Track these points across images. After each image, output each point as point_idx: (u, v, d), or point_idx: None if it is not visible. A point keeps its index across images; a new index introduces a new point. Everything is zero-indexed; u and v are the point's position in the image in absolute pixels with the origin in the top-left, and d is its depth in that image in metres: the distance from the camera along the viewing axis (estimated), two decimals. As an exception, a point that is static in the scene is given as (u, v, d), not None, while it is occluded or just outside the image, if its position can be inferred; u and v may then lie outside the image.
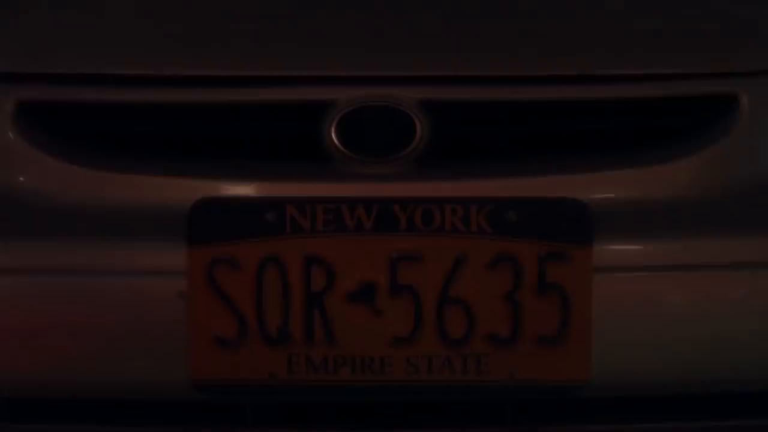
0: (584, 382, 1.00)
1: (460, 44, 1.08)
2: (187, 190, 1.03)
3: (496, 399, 1.04)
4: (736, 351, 1.03)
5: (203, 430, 1.06)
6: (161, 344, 1.01)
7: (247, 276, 1.00)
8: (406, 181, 1.04)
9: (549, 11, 1.11)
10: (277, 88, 1.05)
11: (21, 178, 1.07)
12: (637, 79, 1.06)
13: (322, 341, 1.00)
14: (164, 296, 1.01)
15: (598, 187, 1.05)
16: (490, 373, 1.00)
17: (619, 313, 1.01)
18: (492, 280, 1.00)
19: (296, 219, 1.00)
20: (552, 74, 1.05)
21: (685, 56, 1.07)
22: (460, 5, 1.12)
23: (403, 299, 0.99)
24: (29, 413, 1.08)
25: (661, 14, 1.12)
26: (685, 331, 1.01)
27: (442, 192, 1.03)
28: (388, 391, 1.01)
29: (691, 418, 1.08)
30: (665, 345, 1.01)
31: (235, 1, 1.13)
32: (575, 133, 1.07)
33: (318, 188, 1.04)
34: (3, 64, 1.08)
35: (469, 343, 1.00)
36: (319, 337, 0.99)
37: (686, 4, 1.14)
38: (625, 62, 1.07)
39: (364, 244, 1.00)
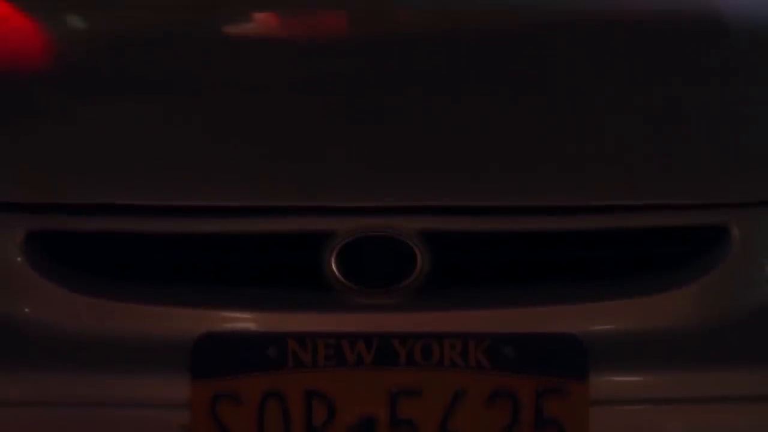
0: None
1: (460, 174, 1.10)
2: (189, 321, 1.05)
3: None
4: None
5: None
6: None
7: (250, 410, 1.01)
8: (406, 311, 1.06)
9: (545, 141, 1.13)
10: (276, 218, 1.07)
11: (23, 305, 1.08)
12: (630, 209, 1.08)
13: None
14: (166, 429, 1.02)
15: (596, 319, 1.07)
16: None
17: None
18: (490, 414, 1.01)
19: (298, 354, 1.02)
20: (550, 205, 1.07)
21: (676, 187, 1.10)
22: (458, 133, 1.14)
23: None
24: None
25: (653, 143, 1.14)
26: None
27: (442, 325, 1.04)
28: None
29: None
30: None
31: (234, 133, 1.15)
32: (572, 262, 1.09)
33: (319, 319, 1.05)
34: (14, 194, 1.10)
35: None
36: None
37: (677, 134, 1.16)
38: (620, 193, 1.09)
39: (364, 379, 1.02)
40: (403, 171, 1.10)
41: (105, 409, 1.03)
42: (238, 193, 1.09)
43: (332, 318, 1.05)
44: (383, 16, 1.48)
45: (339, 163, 1.11)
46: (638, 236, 1.09)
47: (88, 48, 1.38)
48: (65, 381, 1.04)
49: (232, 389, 1.01)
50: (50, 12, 1.55)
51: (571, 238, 1.09)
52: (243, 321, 1.07)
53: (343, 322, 1.05)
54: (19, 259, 1.08)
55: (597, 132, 1.16)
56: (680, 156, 1.13)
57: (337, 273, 1.06)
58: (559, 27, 1.40)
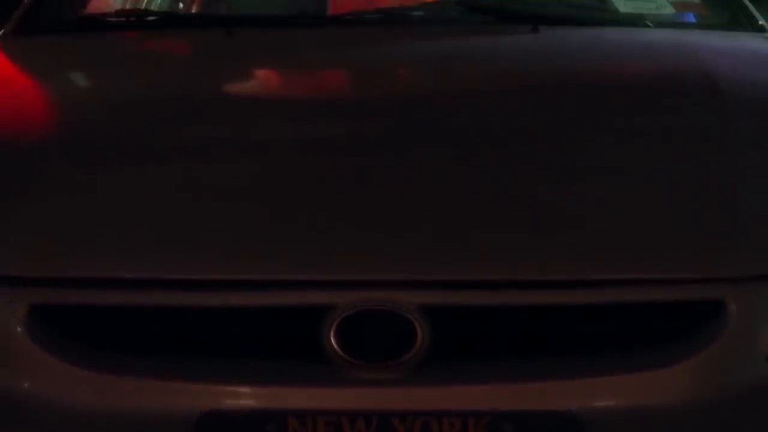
0: None
1: (460, 248, 1.10)
2: (190, 396, 1.06)
3: None
4: None
5: None
6: None
7: (251, 487, 1.02)
8: (405, 386, 1.06)
9: (544, 216, 1.14)
10: (276, 292, 1.08)
11: (24, 379, 1.08)
12: (627, 283, 1.09)
13: None
14: None
15: (595, 395, 1.07)
16: None
17: None
18: None
19: (298, 431, 1.02)
20: (549, 279, 1.08)
21: (672, 262, 1.10)
22: (457, 207, 1.15)
23: None
24: None
25: (650, 218, 1.15)
26: None
27: (441, 402, 1.05)
28: None
29: None
30: None
31: (234, 208, 1.15)
32: (571, 335, 1.10)
33: (318, 395, 1.06)
34: (16, 268, 1.10)
35: None
36: None
37: (673, 209, 1.17)
38: (617, 268, 1.10)
39: None
40: (404, 245, 1.11)
41: None
42: (238, 266, 1.09)
43: (332, 393, 1.06)
44: (381, 88, 1.50)
45: (339, 237, 1.11)
46: (636, 310, 1.10)
47: (90, 119, 1.39)
48: None
49: None
50: (54, 79, 1.57)
51: (570, 312, 1.09)
52: (244, 397, 1.07)
53: (342, 398, 1.05)
54: (20, 331, 1.08)
55: (595, 207, 1.16)
56: (676, 231, 1.14)
57: (336, 347, 1.06)
58: (558, 95, 1.42)
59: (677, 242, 1.12)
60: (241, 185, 1.18)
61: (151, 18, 2.09)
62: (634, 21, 1.98)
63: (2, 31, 2.01)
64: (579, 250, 1.10)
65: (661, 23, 2.00)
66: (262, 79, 1.67)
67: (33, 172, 1.22)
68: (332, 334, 1.06)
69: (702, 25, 2.10)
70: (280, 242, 1.11)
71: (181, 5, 2.69)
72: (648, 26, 1.95)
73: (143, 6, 2.83)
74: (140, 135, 1.31)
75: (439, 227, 1.13)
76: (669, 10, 2.09)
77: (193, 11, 2.90)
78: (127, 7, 2.74)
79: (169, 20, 2.05)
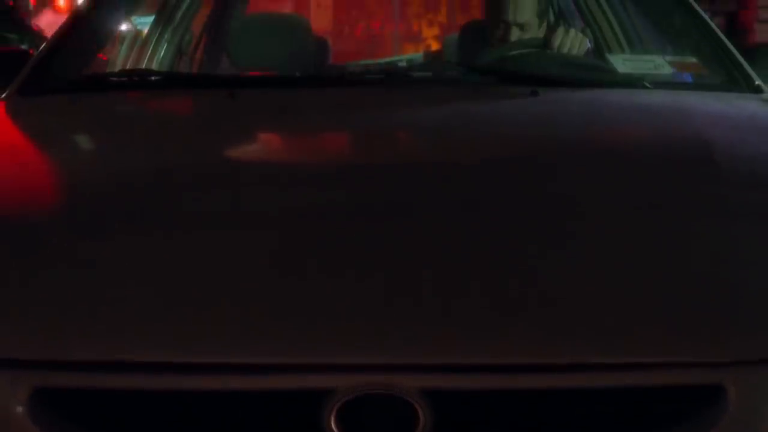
0: None
1: (461, 331, 1.11)
2: None
3: None
4: None
5: None
6: None
7: None
8: None
9: (544, 300, 1.15)
10: (275, 375, 1.08)
11: None
12: (627, 367, 1.09)
13: None
14: None
15: None
16: None
17: None
18: None
19: None
20: (550, 363, 1.09)
21: (671, 346, 1.11)
22: (458, 290, 1.16)
23: None
24: None
25: (648, 296, 1.16)
26: None
27: None
28: None
29: None
30: None
31: (234, 290, 1.16)
32: (571, 419, 1.10)
33: None
34: (18, 351, 1.10)
35: None
36: None
37: (670, 292, 1.17)
38: (616, 351, 1.10)
39: None
40: (404, 328, 1.11)
41: None
42: (238, 350, 1.09)
43: None
44: (379, 158, 1.51)
45: (338, 320, 1.12)
46: (636, 394, 1.10)
47: (92, 190, 1.40)
48: None
49: None
50: (56, 146, 1.59)
51: (570, 396, 1.10)
52: None
53: None
54: (21, 413, 1.08)
55: (593, 289, 1.17)
56: (675, 312, 1.14)
57: (336, 431, 1.07)
58: (555, 165, 1.44)
59: (676, 324, 1.13)
60: (240, 264, 1.19)
61: (154, 78, 2.12)
62: (633, 82, 2.01)
63: (7, 90, 2.04)
64: (579, 334, 1.11)
65: (660, 83, 2.02)
66: (264, 148, 1.68)
67: (34, 249, 1.23)
68: (333, 418, 1.07)
69: (700, 85, 2.13)
70: (280, 325, 1.11)
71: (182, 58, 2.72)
72: (646, 87, 1.97)
73: (146, 58, 2.88)
74: (143, 208, 1.32)
75: (439, 309, 1.13)
76: (667, 70, 2.12)
77: (195, 65, 2.95)
78: (130, 63, 2.80)
79: (172, 80, 2.07)
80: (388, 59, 4.31)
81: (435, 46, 16.49)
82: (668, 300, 1.15)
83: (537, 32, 2.72)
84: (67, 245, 1.24)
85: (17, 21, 5.94)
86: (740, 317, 1.14)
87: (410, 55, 4.23)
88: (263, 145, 1.69)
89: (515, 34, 2.63)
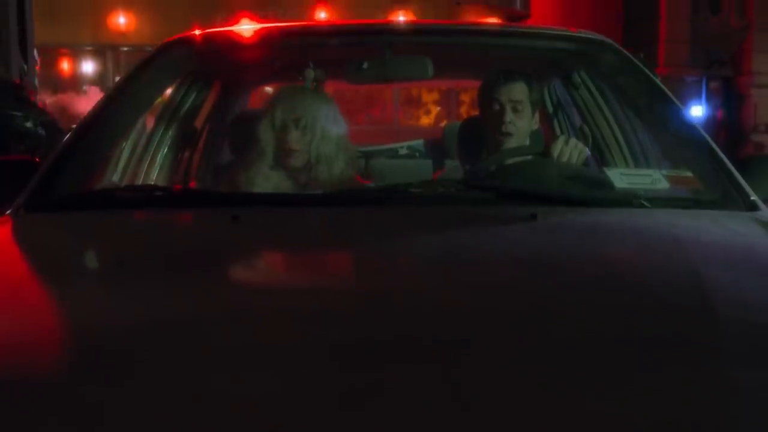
0: None
1: None
2: None
3: None
4: None
5: None
6: None
7: None
8: None
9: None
10: None
11: None
12: None
13: None
14: None
15: None
16: None
17: None
18: None
19: None
20: None
21: None
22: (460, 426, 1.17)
23: None
24: None
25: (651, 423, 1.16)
26: None
27: None
28: None
29: None
30: None
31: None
32: None
33: None
34: None
35: None
36: None
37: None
38: None
39: None
40: None
41: None
42: None
43: None
44: (374, 288, 1.52)
45: None
46: None
47: (93, 334, 1.39)
48: None
49: None
50: (59, 281, 1.60)
51: None
52: None
53: None
54: None
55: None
56: None
57: None
58: (551, 302, 1.45)
59: None
60: (239, 407, 1.20)
61: (158, 194, 2.15)
62: (630, 201, 2.03)
63: (14, 203, 2.07)
64: None
65: (657, 200, 2.05)
66: (264, 281, 1.68)
67: (38, 396, 1.23)
68: None
69: (696, 202, 2.15)
70: None
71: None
72: (644, 206, 1.99)
73: (149, 156, 2.92)
74: (148, 352, 1.33)
75: None
76: (664, 185, 2.15)
77: (197, 157, 2.98)
78: (134, 161, 2.84)
79: (177, 197, 2.10)
80: (389, 146, 4.32)
81: (434, 111, 16.80)
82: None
83: (531, 122, 2.76)
84: (72, 392, 1.24)
85: (23, 98, 6.01)
86: None
87: (410, 142, 4.28)
88: (263, 277, 1.70)
89: (511, 116, 2.66)
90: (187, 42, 2.67)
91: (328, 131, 2.49)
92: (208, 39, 2.69)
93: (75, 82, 17.35)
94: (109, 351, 1.35)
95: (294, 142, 2.46)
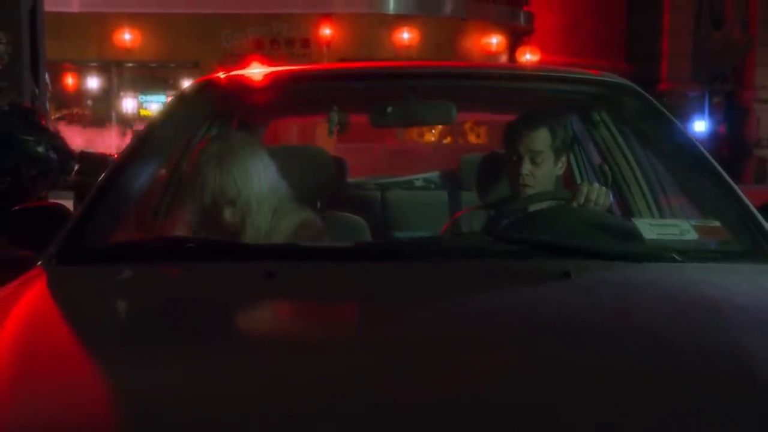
0: None
1: None
2: None
3: None
4: None
5: None
6: None
7: None
8: None
9: None
10: None
11: None
12: None
13: None
14: None
15: None
16: None
17: None
18: None
19: None
20: None
21: None
22: None
23: None
24: None
25: None
26: None
27: None
28: None
29: None
30: None
31: None
32: None
33: None
34: None
35: None
36: None
37: None
38: None
39: None
40: None
41: None
42: None
43: None
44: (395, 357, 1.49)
45: None
46: None
47: (125, 388, 1.40)
48: None
49: None
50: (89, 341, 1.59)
51: None
52: None
53: None
54: None
55: None
56: None
57: None
58: (580, 372, 1.43)
59: None
60: None
61: (190, 245, 2.15)
62: (662, 254, 2.02)
63: (46, 254, 2.07)
64: None
65: (687, 252, 2.04)
66: (302, 341, 1.67)
67: None
68: None
69: (724, 253, 2.14)
70: None
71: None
72: (676, 260, 1.98)
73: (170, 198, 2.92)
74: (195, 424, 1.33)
75: None
76: (692, 236, 2.14)
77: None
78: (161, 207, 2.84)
79: (208, 249, 2.10)
80: (404, 177, 4.32)
81: (437, 128, 16.81)
82: None
83: (555, 169, 2.76)
84: None
85: (34, 123, 6.02)
86: None
87: (426, 174, 4.29)
88: (299, 341, 1.69)
89: (528, 168, 2.66)
90: (212, 85, 2.68)
91: (261, 197, 2.46)
92: (231, 82, 2.70)
93: (80, 98, 17.41)
94: (148, 415, 1.35)
95: (228, 217, 2.43)
